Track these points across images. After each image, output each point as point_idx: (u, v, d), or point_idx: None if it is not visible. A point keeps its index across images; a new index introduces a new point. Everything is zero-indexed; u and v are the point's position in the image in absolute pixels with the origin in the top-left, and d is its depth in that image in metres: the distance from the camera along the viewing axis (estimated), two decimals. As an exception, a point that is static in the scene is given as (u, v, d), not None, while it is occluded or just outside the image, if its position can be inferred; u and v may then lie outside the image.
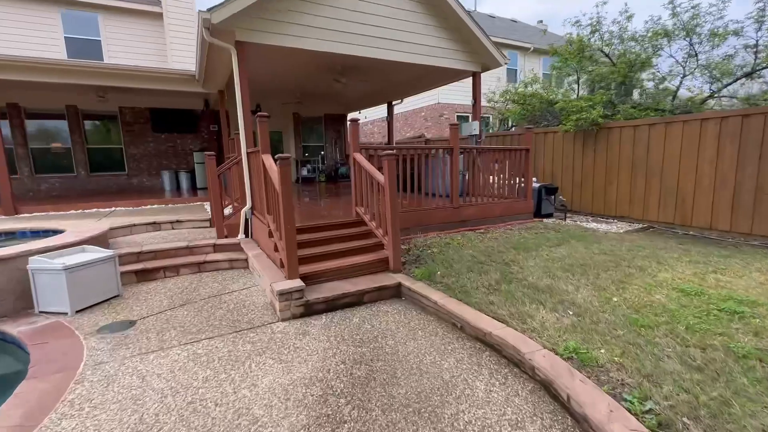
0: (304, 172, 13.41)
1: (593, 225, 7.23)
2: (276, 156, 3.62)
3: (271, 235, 4.49)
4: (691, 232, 6.59)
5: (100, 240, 5.02)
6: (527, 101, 10.41)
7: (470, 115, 18.51)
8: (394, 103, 11.21)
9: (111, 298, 4.20)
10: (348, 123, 4.69)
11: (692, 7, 8.01)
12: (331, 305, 3.71)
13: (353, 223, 5.08)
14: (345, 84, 8.43)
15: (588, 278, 3.98)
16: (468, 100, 17.51)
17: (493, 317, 3.16)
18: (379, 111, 18.06)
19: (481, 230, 6.16)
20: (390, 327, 3.38)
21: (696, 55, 8.25)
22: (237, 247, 5.53)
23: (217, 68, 7.14)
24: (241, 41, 5.22)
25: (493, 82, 16.61)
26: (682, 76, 8.66)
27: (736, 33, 7.73)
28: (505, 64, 7.67)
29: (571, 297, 3.49)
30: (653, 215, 7.10)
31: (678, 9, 8.00)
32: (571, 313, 3.19)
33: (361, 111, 15.16)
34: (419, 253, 4.90)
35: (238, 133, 5.57)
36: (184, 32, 10.56)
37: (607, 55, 9.47)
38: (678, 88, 8.76)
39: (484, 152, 6.41)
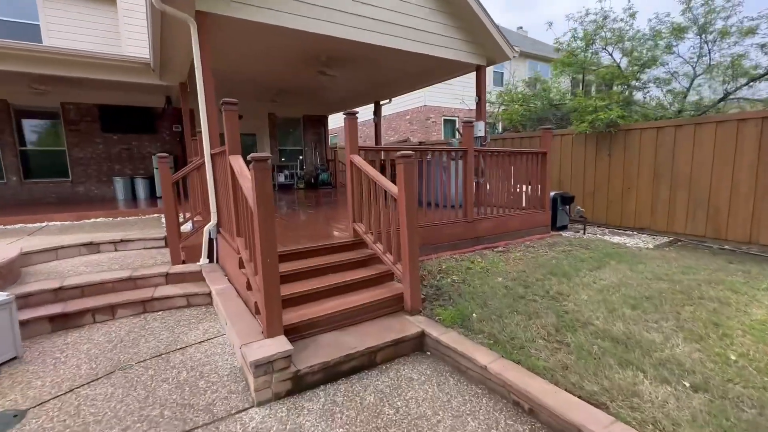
0: (282, 179, 12.13)
1: (617, 239, 6.41)
2: (249, 156, 2.48)
3: (242, 265, 3.29)
4: (726, 247, 5.87)
5: (3, 271, 3.65)
6: (530, 102, 9.63)
7: (457, 119, 17.86)
8: (382, 103, 10.18)
9: (2, 364, 2.87)
10: (344, 117, 3.69)
11: (705, 3, 7.44)
12: (332, 373, 2.56)
13: (351, 245, 3.95)
14: (331, 78, 7.31)
15: (668, 319, 3.03)
16: (456, 103, 16.86)
17: (581, 397, 2.12)
18: (360, 113, 17.02)
19: (500, 248, 5.17)
20: (424, 411, 2.27)
21: (709, 53, 7.69)
22: (197, 276, 4.28)
23: (175, 51, 5.86)
24: (202, 11, 4.03)
25: (458, 88, 15.94)
26: (693, 77, 8.09)
27: (752, 31, 7.21)
28: (513, 57, 6.80)
29: (669, 353, 2.51)
30: (680, 227, 6.36)
31: (693, 2, 7.41)
32: (687, 385, 2.19)
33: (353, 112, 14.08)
34: (438, 284, 3.83)
35: (201, 131, 4.35)
36: (140, 14, 9.12)
37: (611, 54, 8.82)
38: (689, 89, 8.18)
39: (498, 156, 5.45)
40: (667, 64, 8.11)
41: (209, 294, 4.00)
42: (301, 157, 12.88)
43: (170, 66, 6.70)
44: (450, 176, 5.09)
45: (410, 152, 3.13)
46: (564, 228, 6.86)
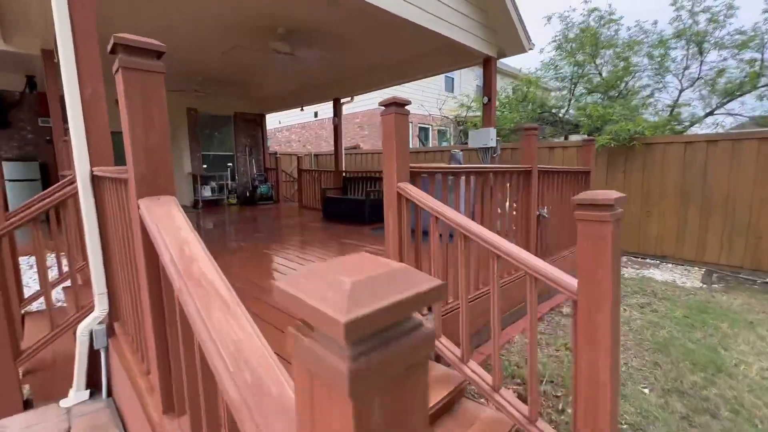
0: (207, 193, 9.43)
1: (652, 272, 5.39)
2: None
3: None
4: (766, 279, 5.17)
5: None
6: (519, 107, 8.50)
7: (410, 124, 16.48)
8: (343, 101, 8.23)
9: None
10: (382, 112, 1.58)
11: (702, 11, 6.99)
12: None
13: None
14: (290, 60, 5.22)
15: None
16: (413, 107, 15.40)
17: None
18: (298, 114, 14.78)
19: (563, 309, 3.66)
20: None
21: (701, 64, 7.29)
22: (62, 441, 1.97)
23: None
24: None
25: (433, 90, 14.83)
26: (680, 89, 7.67)
27: (748, 44, 6.91)
28: (530, 49, 5.47)
29: None
30: (712, 256, 5.57)
31: (694, 10, 6.90)
32: None
33: (308, 110, 11.81)
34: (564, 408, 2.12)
35: (70, 132, 2.06)
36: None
37: (594, 60, 8.09)
38: (675, 103, 7.74)
39: (551, 176, 3.95)
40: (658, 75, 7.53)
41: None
42: (231, 164, 10.26)
43: (22, 18, 4.02)
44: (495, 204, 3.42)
45: (606, 199, 1.35)
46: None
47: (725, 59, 7.25)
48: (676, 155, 5.76)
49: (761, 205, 5.15)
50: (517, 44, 5.33)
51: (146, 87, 1.15)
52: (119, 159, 2.15)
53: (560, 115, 8.25)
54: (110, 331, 2.22)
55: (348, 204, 7.01)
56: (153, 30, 4.42)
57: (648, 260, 6.09)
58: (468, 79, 16.64)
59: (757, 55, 7.08)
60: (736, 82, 7.21)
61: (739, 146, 5.26)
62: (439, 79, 15.18)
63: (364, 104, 13.41)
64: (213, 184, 9.63)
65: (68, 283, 2.79)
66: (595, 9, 7.52)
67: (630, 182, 6.22)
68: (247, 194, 10.22)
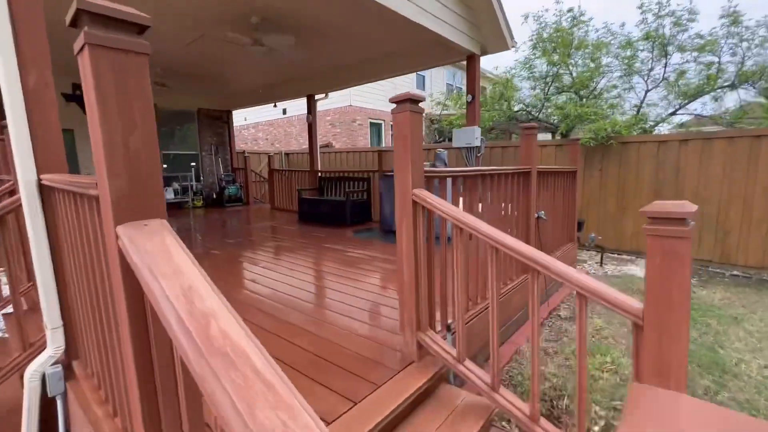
0: (169, 195, 8.74)
1: (633, 269, 5.51)
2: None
3: None
4: (735, 272, 5.43)
5: None
6: (496, 106, 8.49)
7: (383, 122, 16.22)
8: (317, 97, 7.86)
9: None
10: (393, 109, 1.38)
11: (667, 14, 7.27)
12: None
13: (409, 379, 1.82)
14: (263, 50, 4.83)
15: None
16: (385, 105, 15.14)
17: None
18: (265, 111, 14.17)
19: (562, 311, 3.59)
20: None
21: (666, 66, 7.59)
22: None
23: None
24: None
25: (405, 88, 14.68)
26: (645, 90, 7.97)
27: (706, 48, 7.25)
28: (513, 47, 5.40)
29: None
30: (684, 251, 5.78)
31: (660, 13, 7.15)
32: None
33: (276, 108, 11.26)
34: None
35: (6, 129, 1.65)
36: None
37: (567, 60, 8.23)
38: (642, 103, 8.04)
39: (547, 175, 3.86)
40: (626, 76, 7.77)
41: None
42: (195, 164, 9.60)
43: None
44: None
45: (683, 213, 1.19)
46: (583, 261, 5.74)
47: (687, 62, 7.60)
48: (650, 154, 5.93)
49: (728, 201, 5.39)
50: (501, 41, 5.24)
51: (124, 72, 0.84)
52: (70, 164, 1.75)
53: (534, 114, 8.35)
54: (68, 373, 1.84)
55: (326, 205, 6.69)
56: None
57: (624, 256, 6.25)
58: (438, 78, 16.65)
59: (715, 59, 7.48)
60: (694, 84, 7.58)
61: (709, 145, 5.48)
62: (411, 77, 15.06)
63: (336, 101, 13.04)
64: (176, 185, 8.94)
65: (10, 308, 2.34)
66: (571, 9, 7.66)
67: (606, 180, 6.35)
68: (214, 196, 9.59)
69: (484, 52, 5.42)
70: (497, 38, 5.22)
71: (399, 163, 1.86)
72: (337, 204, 6.52)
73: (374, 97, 13.39)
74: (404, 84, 14.38)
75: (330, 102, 13.22)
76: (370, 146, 13.58)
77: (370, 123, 13.86)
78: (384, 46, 5.49)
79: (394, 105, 1.87)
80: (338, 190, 7.30)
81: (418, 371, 1.85)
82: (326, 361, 1.97)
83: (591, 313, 3.57)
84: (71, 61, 1.84)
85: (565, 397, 2.26)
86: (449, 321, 2.08)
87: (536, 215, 3.37)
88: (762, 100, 6.98)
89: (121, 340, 0.96)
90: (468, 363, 1.79)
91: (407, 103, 1.81)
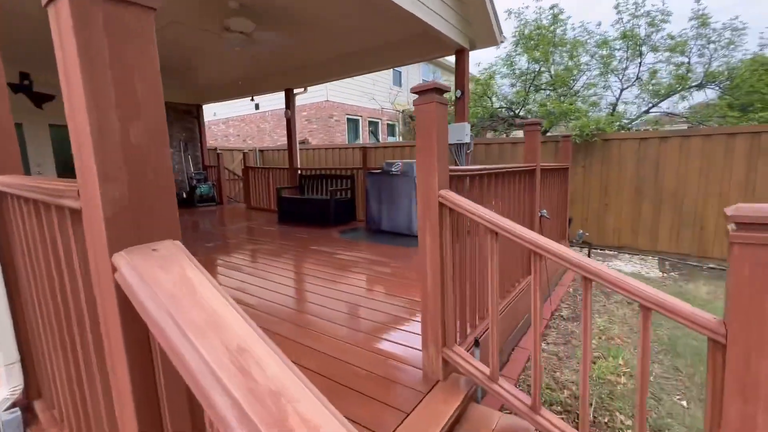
0: (134, 196, 8.08)
1: (618, 264, 5.59)
2: None
3: None
4: (711, 265, 5.63)
5: None
6: (480, 102, 8.41)
7: (360, 118, 15.84)
8: (296, 91, 7.49)
9: None
10: (416, 101, 1.19)
11: (642, 15, 7.45)
12: None
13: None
14: (241, 39, 4.47)
15: None
16: (363, 100, 14.77)
17: None
18: (236, 106, 13.55)
19: (563, 311, 3.53)
20: None
21: (640, 65, 7.80)
22: None
23: None
24: None
25: (383, 83, 14.47)
26: (621, 89, 8.16)
27: (677, 48, 7.49)
28: (501, 42, 5.31)
29: None
30: (664, 246, 5.95)
31: (636, 13, 7.31)
32: None
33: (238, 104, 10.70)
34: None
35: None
36: None
37: (548, 58, 8.30)
38: (617, 102, 8.24)
39: (546, 172, 3.78)
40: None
41: None
42: (162, 162, 8.94)
43: None
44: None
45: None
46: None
47: (660, 61, 7.84)
48: (631, 151, 6.04)
49: (705, 197, 5.56)
50: (490, 36, 5.13)
51: (123, 32, 0.59)
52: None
53: (515, 110, 8.37)
54: (29, 416, 1.51)
55: (309, 205, 6.39)
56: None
57: (607, 251, 6.37)
58: (414, 74, 16.53)
59: (684, 59, 7.76)
60: (666, 83, 7.84)
61: (687, 143, 5.63)
62: (388, 73, 14.86)
63: (313, 96, 12.62)
64: (141, 184, 8.29)
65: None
66: (553, 7, 7.69)
67: (589, 177, 6.43)
68: (185, 195, 9.00)
69: (473, 47, 5.29)
70: (487, 33, 5.10)
71: (423, 161, 1.66)
72: (321, 203, 6.23)
73: (352, 92, 13.08)
74: (381, 79, 14.17)
75: (306, 97, 12.79)
76: (347, 143, 13.27)
77: (348, 119, 13.54)
78: (372, 37, 5.25)
79: (416, 95, 1.67)
80: (320, 188, 7.00)
81: (446, 393, 1.67)
82: (339, 384, 1.75)
83: (592, 312, 3.53)
84: (18, 47, 1.51)
85: (592, 408, 2.15)
86: (476, 334, 1.91)
87: (539, 213, 3.27)
88: (727, 99, 7.30)
89: (124, 420, 0.69)
90: (503, 382, 1.62)
91: (433, 93, 1.60)
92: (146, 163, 0.62)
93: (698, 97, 8.20)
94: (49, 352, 1.31)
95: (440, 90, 1.62)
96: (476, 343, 1.82)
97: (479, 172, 2.11)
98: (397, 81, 16.17)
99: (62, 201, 0.76)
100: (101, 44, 0.57)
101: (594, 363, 2.62)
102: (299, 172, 7.43)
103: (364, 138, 14.25)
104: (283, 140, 14.06)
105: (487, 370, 1.65)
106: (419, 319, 2.42)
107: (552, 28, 7.77)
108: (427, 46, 5.10)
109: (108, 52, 0.58)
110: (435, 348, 1.76)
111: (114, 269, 0.59)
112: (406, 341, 2.13)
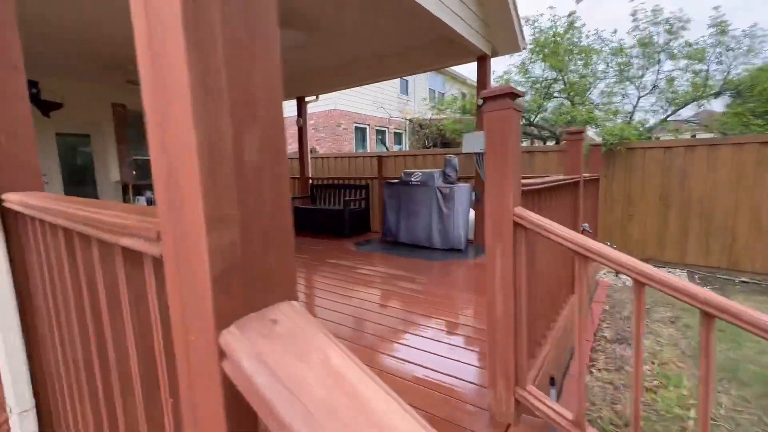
0: (142, 203, 7.90)
1: (646, 279, 5.37)
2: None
3: None
4: (743, 278, 5.41)
5: None
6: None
7: (368, 126, 15.67)
8: (308, 99, 7.36)
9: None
10: (493, 103, 1.09)
11: (657, 23, 7.33)
12: None
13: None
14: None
15: None
16: (371, 109, 14.60)
17: None
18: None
19: (607, 331, 3.30)
20: None
21: (658, 72, 7.66)
22: None
23: None
24: None
25: (391, 92, 14.38)
26: (638, 96, 8.02)
27: (696, 56, 7.36)
28: (524, 48, 5.16)
29: None
30: (692, 258, 5.72)
31: (655, 20, 7.19)
32: None
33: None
34: None
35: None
36: None
37: (566, 65, 8.17)
38: (633, 110, 8.09)
39: (585, 184, 3.58)
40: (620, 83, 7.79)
41: None
42: (169, 171, 8.76)
43: None
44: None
45: None
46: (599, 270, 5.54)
47: (678, 69, 7.71)
48: (656, 160, 5.85)
49: (736, 208, 5.36)
50: (513, 42, 4.98)
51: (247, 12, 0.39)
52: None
53: (531, 119, 8.21)
54: (43, 473, 1.29)
55: (322, 215, 6.19)
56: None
57: (631, 264, 6.14)
58: (421, 83, 16.48)
59: (703, 67, 7.62)
60: (684, 91, 7.69)
61: (715, 152, 5.44)
62: (396, 82, 14.78)
63: (320, 105, 12.53)
64: (149, 194, 8.12)
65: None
66: (571, 14, 7.58)
67: (612, 186, 6.23)
68: (191, 205, 8.79)
69: (495, 54, 5.14)
70: (510, 39, 4.95)
71: (494, 174, 1.46)
72: (334, 213, 6.04)
73: (360, 100, 12.97)
74: (389, 87, 14.09)
75: (314, 105, 12.68)
76: (355, 151, 13.13)
77: (355, 127, 13.42)
78: (390, 44, 5.10)
79: (482, 101, 1.48)
80: (332, 198, 6.81)
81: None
82: None
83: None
84: (26, 54, 1.32)
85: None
86: (549, 373, 1.69)
87: (581, 227, 3.06)
88: (750, 105, 7.13)
89: None
90: (590, 430, 1.40)
91: (507, 98, 1.41)
92: (262, 191, 0.42)
93: (716, 105, 8.07)
94: (72, 402, 1.10)
95: (515, 95, 1.43)
96: (552, 381, 1.61)
97: (540, 186, 1.92)
98: (404, 90, 16.11)
99: (124, 241, 0.55)
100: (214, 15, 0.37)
101: (654, 392, 2.39)
102: (310, 181, 7.25)
103: (370, 147, 14.11)
104: (291, 148, 13.93)
105: (570, 415, 1.43)
106: (470, 346, 2.21)
107: (567, 36, 7.65)
108: (449, 52, 4.94)
109: (220, 25, 0.38)
110: (506, 387, 1.54)
111: (222, 354, 0.39)
112: (460, 374, 1.91)
